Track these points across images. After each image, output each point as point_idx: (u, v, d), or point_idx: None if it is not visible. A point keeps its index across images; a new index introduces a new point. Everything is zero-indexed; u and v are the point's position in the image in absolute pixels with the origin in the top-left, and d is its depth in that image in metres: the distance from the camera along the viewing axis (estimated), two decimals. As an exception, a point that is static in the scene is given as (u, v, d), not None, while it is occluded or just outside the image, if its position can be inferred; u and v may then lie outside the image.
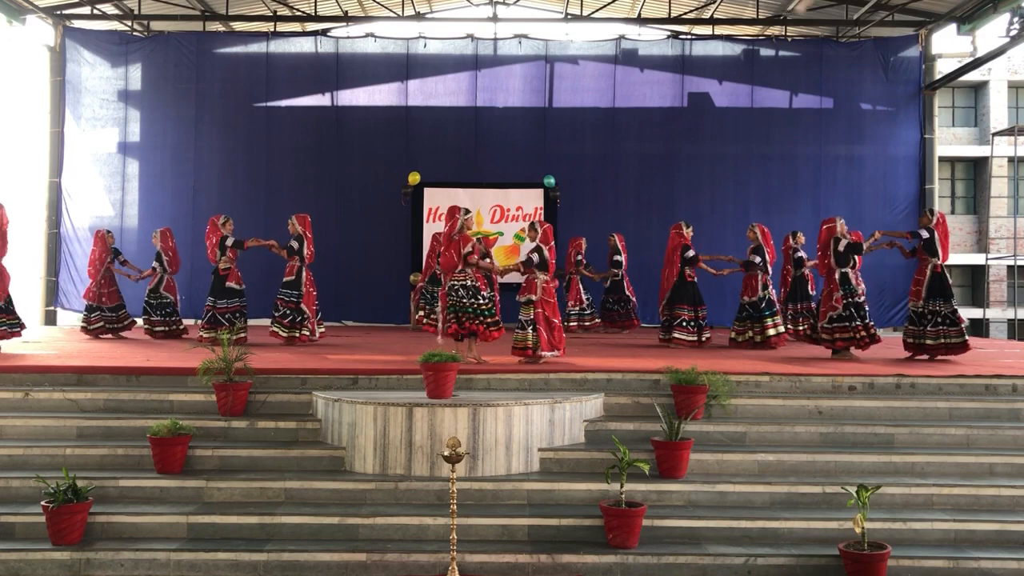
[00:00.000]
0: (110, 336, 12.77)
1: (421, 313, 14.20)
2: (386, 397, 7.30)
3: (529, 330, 8.94)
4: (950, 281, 9.96)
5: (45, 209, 16.75)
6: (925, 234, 9.87)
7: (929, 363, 9.38)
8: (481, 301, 8.92)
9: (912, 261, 10.50)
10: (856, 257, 10.06)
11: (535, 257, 9.02)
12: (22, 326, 10.38)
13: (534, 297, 9.03)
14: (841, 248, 9.99)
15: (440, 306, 9.15)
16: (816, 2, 16.59)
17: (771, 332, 11.52)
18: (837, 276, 10.02)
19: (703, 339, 11.54)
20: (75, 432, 7.44)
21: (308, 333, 11.32)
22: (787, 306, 12.91)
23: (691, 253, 11.55)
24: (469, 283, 8.93)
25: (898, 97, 16.82)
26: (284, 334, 11.20)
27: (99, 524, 6.38)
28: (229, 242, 11.39)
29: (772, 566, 6.17)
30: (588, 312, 14.54)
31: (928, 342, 9.72)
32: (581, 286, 14.51)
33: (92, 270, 12.87)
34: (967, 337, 9.75)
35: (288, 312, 11.22)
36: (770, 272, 11.88)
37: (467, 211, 9.17)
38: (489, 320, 8.94)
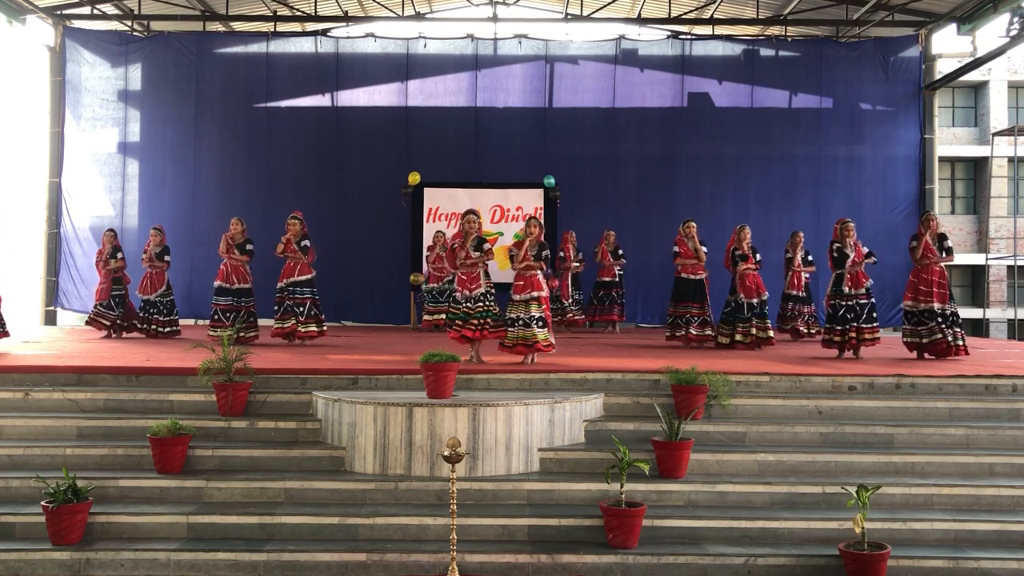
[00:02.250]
0: (113, 335, 12.76)
1: (428, 316, 14.26)
2: (386, 397, 7.30)
3: (538, 328, 8.87)
4: None
5: (45, 209, 16.75)
6: (949, 243, 9.98)
7: (929, 363, 9.39)
8: (486, 303, 8.91)
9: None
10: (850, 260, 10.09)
11: (546, 253, 9.05)
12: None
13: (543, 293, 9.02)
14: (835, 252, 10.12)
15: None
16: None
17: (761, 334, 11.42)
18: (832, 277, 10.17)
19: (689, 334, 11.46)
20: (75, 432, 7.44)
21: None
22: (786, 305, 13.03)
23: (676, 250, 11.55)
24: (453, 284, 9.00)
25: (898, 97, 16.81)
26: (322, 329, 11.52)
27: (99, 524, 6.38)
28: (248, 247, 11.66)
29: (772, 566, 6.17)
30: (577, 307, 14.64)
31: (960, 343, 9.81)
32: (569, 281, 14.59)
33: (99, 265, 12.93)
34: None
35: (317, 310, 11.45)
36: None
37: (468, 211, 9.15)
38: (488, 322, 8.88)
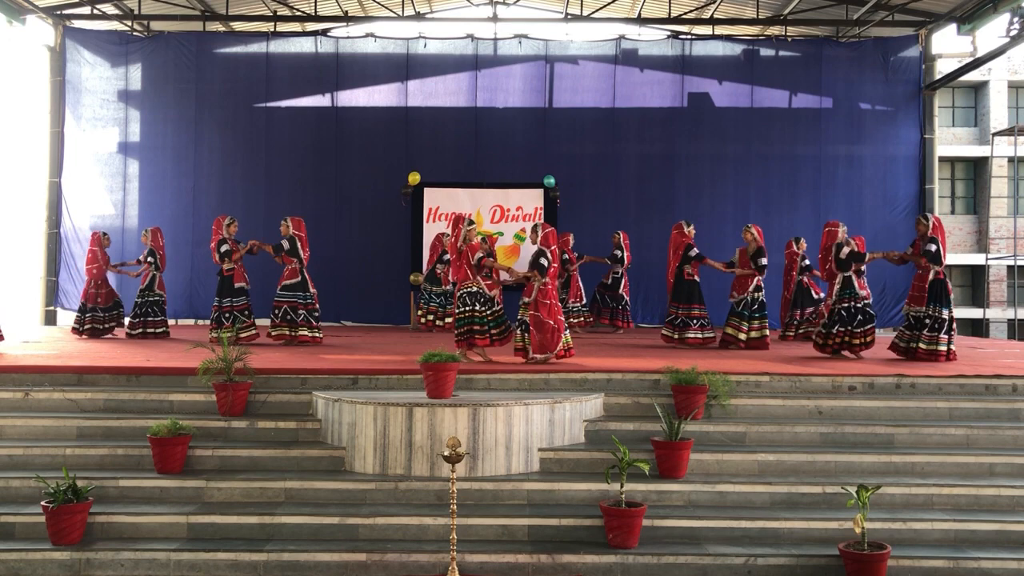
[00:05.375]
0: (109, 336, 12.75)
1: (420, 312, 14.25)
2: (386, 397, 7.30)
3: (523, 332, 9.02)
4: (950, 287, 9.95)
5: (45, 209, 16.74)
6: (934, 248, 9.82)
7: (929, 363, 9.38)
8: (489, 310, 9.00)
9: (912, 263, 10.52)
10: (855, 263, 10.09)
11: (544, 262, 9.07)
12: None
13: (527, 299, 9.10)
14: (843, 255, 10.05)
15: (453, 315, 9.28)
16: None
17: (757, 334, 11.40)
18: (839, 280, 10.10)
19: (701, 337, 11.44)
20: (75, 432, 7.44)
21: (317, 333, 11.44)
22: (793, 311, 12.98)
23: (694, 252, 11.48)
24: (476, 290, 9.03)
25: (898, 97, 16.81)
26: (310, 335, 11.28)
27: (99, 524, 6.39)
28: (223, 248, 11.42)
29: (772, 566, 6.17)
30: (586, 309, 14.55)
31: (922, 346, 9.69)
32: (580, 283, 14.52)
33: (93, 269, 12.85)
34: (952, 347, 9.72)
35: (303, 313, 11.27)
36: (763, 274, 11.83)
37: (470, 221, 9.27)
38: (495, 331, 9.01)
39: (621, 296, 14.55)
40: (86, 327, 12.72)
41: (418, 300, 14.83)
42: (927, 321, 9.69)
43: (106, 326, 12.85)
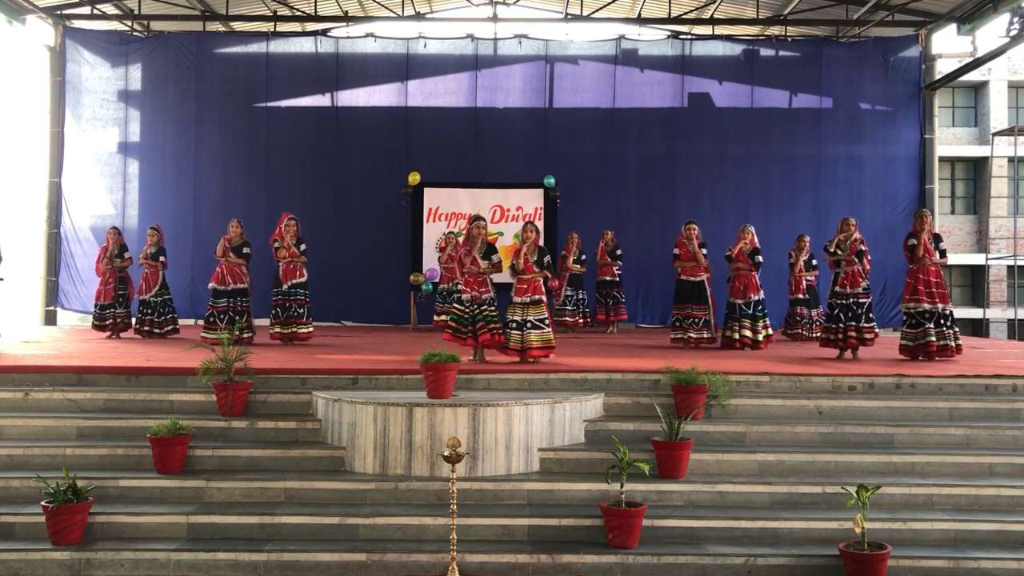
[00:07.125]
0: (109, 334, 12.73)
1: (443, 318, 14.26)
2: (386, 397, 7.30)
3: (547, 329, 9.01)
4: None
5: (45, 209, 16.74)
6: (944, 245, 10.00)
7: (929, 363, 9.38)
8: (492, 308, 8.97)
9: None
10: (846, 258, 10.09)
11: (548, 259, 9.15)
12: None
13: (525, 300, 9.09)
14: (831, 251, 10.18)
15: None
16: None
17: (766, 333, 11.42)
18: (832, 276, 10.24)
19: (695, 337, 11.41)
20: (75, 432, 7.44)
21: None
22: (792, 309, 13.08)
23: (675, 252, 11.58)
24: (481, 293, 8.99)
25: (898, 97, 16.81)
26: (309, 331, 11.53)
27: (99, 524, 6.39)
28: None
29: (772, 566, 6.17)
30: (569, 309, 14.57)
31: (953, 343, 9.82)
32: (566, 282, 14.55)
33: (103, 267, 12.85)
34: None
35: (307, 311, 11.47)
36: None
37: (476, 218, 9.19)
38: (495, 327, 8.95)
39: (619, 292, 14.59)
40: (106, 323, 12.71)
41: (420, 300, 14.87)
42: (950, 317, 9.76)
43: (123, 322, 12.80)
